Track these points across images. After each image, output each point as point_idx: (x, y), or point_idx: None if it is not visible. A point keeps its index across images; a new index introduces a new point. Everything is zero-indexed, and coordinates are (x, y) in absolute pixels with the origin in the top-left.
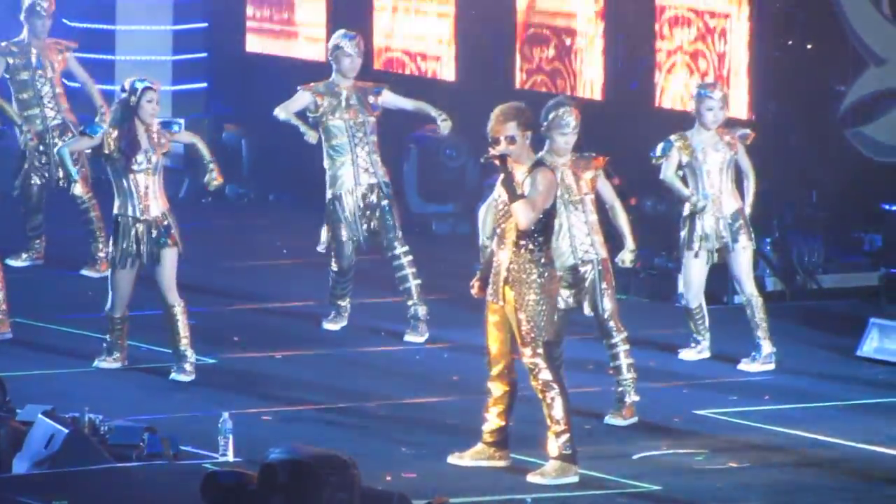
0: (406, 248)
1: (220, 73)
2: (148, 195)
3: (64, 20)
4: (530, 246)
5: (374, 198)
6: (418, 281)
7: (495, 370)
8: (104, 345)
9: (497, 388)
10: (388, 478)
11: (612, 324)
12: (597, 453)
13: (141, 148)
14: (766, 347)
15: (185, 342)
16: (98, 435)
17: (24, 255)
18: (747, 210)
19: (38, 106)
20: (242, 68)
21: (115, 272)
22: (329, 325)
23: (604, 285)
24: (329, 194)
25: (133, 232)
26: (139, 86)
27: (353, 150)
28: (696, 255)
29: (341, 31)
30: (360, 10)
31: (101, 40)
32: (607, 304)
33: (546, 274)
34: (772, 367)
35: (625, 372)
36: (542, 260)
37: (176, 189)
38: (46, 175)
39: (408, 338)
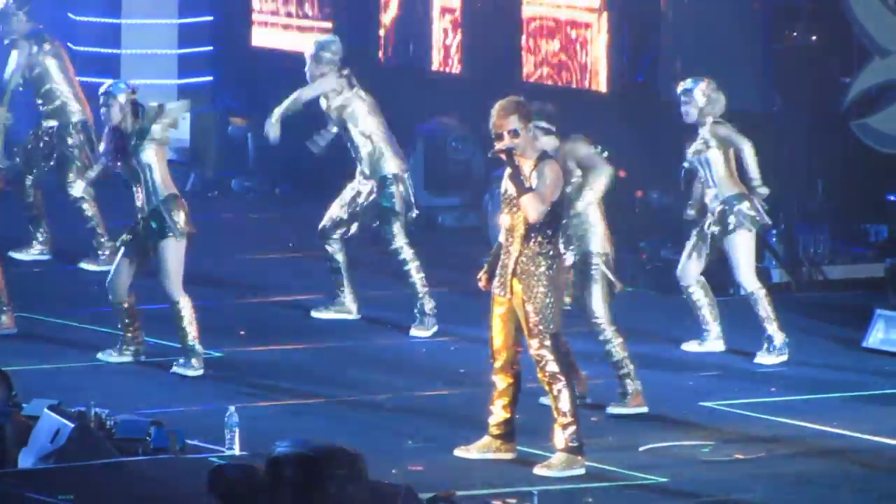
0: (403, 242)
1: (225, 67)
2: (140, 192)
3: (70, 14)
4: (539, 238)
5: (374, 193)
6: (421, 274)
7: (499, 363)
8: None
9: (501, 381)
10: (395, 471)
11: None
12: (603, 445)
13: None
14: (778, 338)
15: (191, 338)
16: (104, 429)
17: (30, 250)
18: (758, 187)
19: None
20: (248, 62)
21: (117, 256)
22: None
23: (595, 277)
24: None
25: (138, 226)
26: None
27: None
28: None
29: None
30: (367, 3)
31: (106, 34)
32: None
33: (554, 266)
34: (785, 357)
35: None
36: (551, 252)
37: (182, 183)
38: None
39: (413, 332)
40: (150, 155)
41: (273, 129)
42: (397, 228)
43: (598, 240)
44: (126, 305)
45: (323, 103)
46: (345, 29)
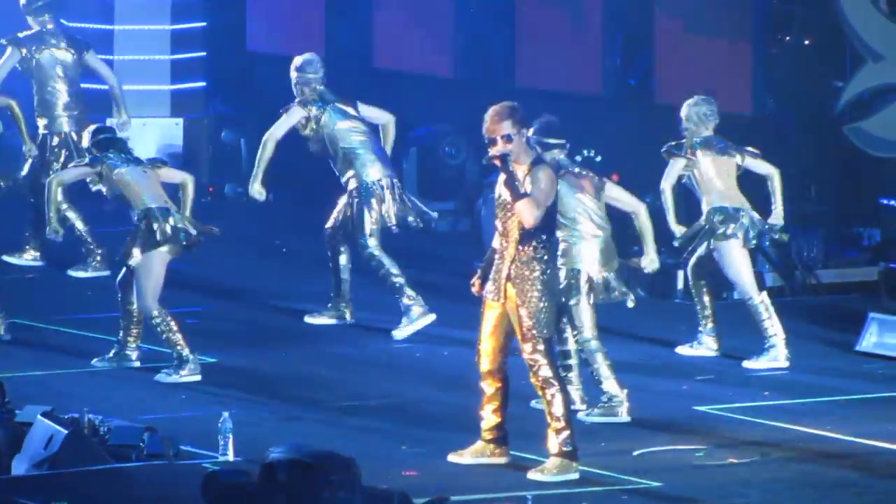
0: (374, 248)
1: (219, 72)
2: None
3: (62, 20)
4: (533, 243)
5: (350, 198)
6: (400, 273)
7: (487, 368)
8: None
9: (489, 386)
10: (389, 476)
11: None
12: (597, 450)
13: None
14: (770, 343)
15: (177, 346)
16: (98, 435)
17: (23, 255)
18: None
19: None
20: (242, 67)
21: None
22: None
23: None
24: None
25: None
26: None
27: None
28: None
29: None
30: (359, 6)
31: (99, 40)
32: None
33: (548, 271)
34: (778, 363)
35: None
36: (545, 257)
37: (174, 188)
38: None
39: (395, 333)
40: (117, 182)
41: (259, 193)
42: (369, 234)
43: (585, 257)
44: (131, 314)
45: (300, 130)
46: (338, 33)
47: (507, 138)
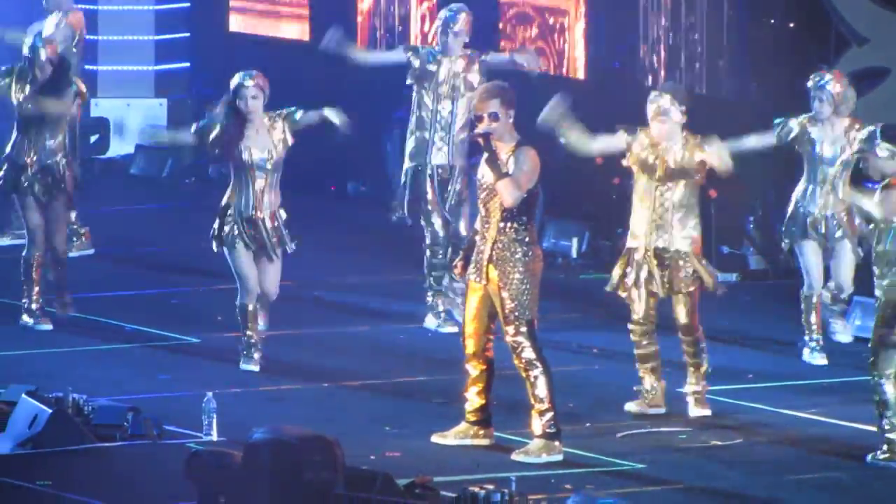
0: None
1: (202, 53)
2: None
3: (44, 2)
4: (514, 225)
5: None
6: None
7: (471, 350)
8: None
9: (474, 368)
10: (372, 457)
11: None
12: (580, 432)
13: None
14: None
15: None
16: (82, 415)
17: (3, 237)
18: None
19: None
20: (225, 48)
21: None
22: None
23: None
24: None
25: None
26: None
27: None
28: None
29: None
30: None
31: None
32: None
33: (530, 253)
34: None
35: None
36: (527, 239)
37: (159, 169)
38: None
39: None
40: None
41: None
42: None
43: None
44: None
45: None
46: (322, 16)
47: (494, 116)
